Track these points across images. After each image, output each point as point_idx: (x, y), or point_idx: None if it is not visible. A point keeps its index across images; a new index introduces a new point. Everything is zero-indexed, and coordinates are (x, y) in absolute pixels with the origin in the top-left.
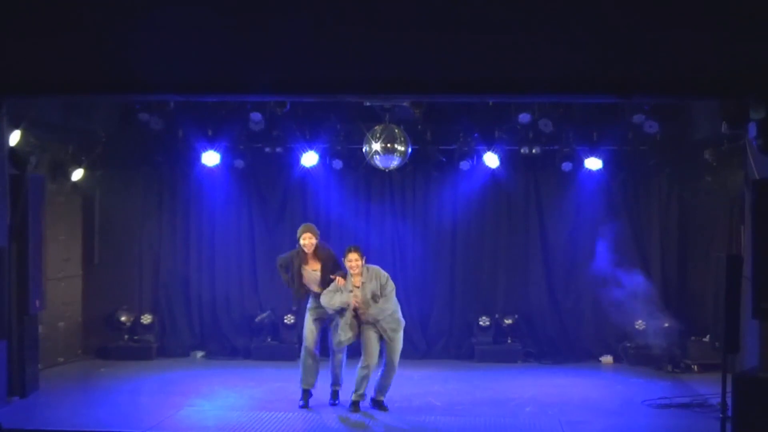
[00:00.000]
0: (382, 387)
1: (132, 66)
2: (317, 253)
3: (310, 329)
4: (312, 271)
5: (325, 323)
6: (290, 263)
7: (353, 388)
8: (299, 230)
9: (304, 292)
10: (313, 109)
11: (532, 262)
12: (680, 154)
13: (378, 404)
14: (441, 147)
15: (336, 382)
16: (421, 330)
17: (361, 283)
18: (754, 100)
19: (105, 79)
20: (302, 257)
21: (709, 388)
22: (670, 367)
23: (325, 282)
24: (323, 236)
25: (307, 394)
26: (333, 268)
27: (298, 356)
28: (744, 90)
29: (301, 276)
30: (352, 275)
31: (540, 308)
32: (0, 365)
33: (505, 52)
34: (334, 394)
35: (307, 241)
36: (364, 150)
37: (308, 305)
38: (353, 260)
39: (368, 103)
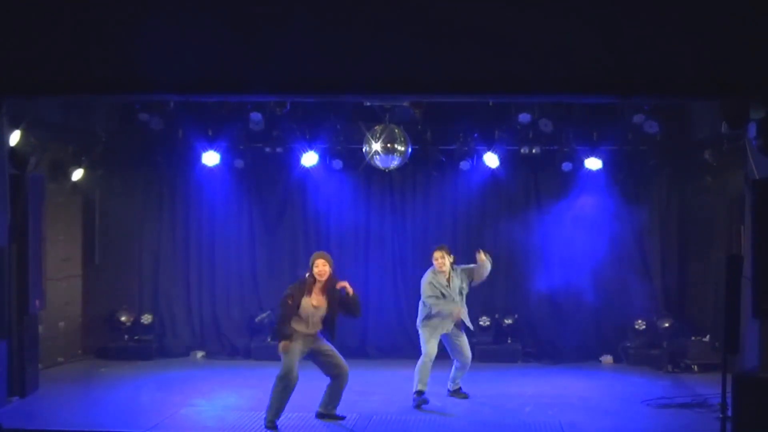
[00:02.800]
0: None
1: (132, 66)
2: (327, 286)
3: (294, 357)
4: (313, 306)
5: (310, 354)
6: (294, 294)
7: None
8: (312, 257)
9: (290, 331)
10: (313, 109)
11: (532, 262)
12: (680, 154)
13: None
14: (441, 147)
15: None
16: None
17: (447, 280)
18: (754, 100)
19: (105, 79)
20: (308, 287)
21: (709, 388)
22: (670, 367)
23: (327, 322)
24: (323, 235)
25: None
26: (338, 305)
27: None
28: (744, 90)
29: (298, 308)
30: (438, 273)
31: (540, 308)
32: (0, 365)
33: (505, 52)
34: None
35: (321, 268)
36: (364, 150)
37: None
38: (438, 258)
39: (368, 103)
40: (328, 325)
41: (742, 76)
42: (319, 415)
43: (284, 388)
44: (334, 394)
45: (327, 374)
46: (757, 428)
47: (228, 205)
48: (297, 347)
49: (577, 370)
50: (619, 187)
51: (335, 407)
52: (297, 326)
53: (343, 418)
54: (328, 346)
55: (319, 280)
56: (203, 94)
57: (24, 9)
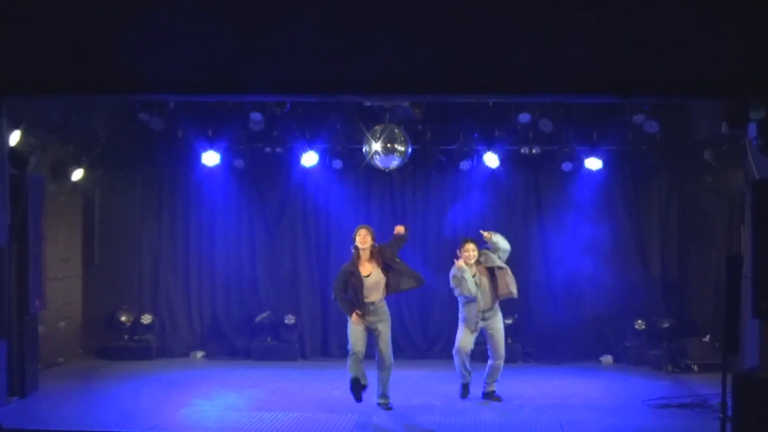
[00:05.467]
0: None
1: (132, 66)
2: (373, 254)
3: (358, 333)
4: (365, 276)
5: (370, 331)
6: (348, 275)
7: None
8: (356, 229)
9: (353, 306)
10: (313, 109)
11: (532, 262)
12: (680, 154)
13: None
14: (441, 147)
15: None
16: (421, 330)
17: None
18: (754, 100)
19: (105, 79)
20: (355, 260)
21: (709, 388)
22: (670, 367)
23: (391, 282)
24: (323, 235)
25: (359, 386)
26: (387, 257)
27: (299, 356)
28: (744, 90)
29: (361, 285)
30: (467, 266)
31: (540, 308)
32: (0, 365)
33: (505, 52)
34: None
35: (362, 237)
36: (364, 150)
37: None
38: (470, 251)
39: (368, 103)
40: (392, 288)
41: (742, 76)
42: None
43: (354, 360)
44: (379, 382)
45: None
46: (757, 428)
47: (228, 205)
48: (356, 327)
49: (577, 370)
50: (619, 187)
51: (382, 395)
52: (361, 297)
53: (390, 408)
54: (384, 332)
55: (362, 249)
56: (203, 94)
57: (24, 9)
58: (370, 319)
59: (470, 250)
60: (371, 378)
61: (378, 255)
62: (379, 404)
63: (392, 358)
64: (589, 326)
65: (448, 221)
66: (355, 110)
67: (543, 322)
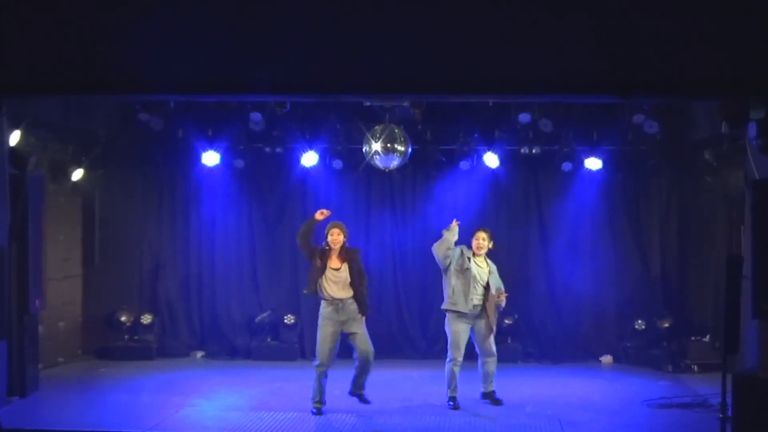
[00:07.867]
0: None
1: (132, 66)
2: (343, 252)
3: (324, 341)
4: (333, 269)
5: (343, 334)
6: (320, 251)
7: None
8: (328, 225)
9: (314, 289)
10: (313, 109)
11: (532, 262)
12: (680, 154)
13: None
14: (441, 147)
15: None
16: (421, 330)
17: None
18: (754, 100)
19: (105, 79)
20: (327, 253)
21: (709, 388)
22: (670, 367)
23: (352, 284)
24: (323, 235)
25: (318, 412)
26: (358, 271)
27: (299, 356)
28: (744, 90)
29: (323, 270)
30: (475, 255)
31: (540, 308)
32: (0, 365)
33: (505, 52)
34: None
35: (335, 237)
36: (364, 150)
37: (322, 311)
38: (479, 239)
39: (368, 103)
40: (356, 295)
41: (742, 76)
42: (351, 393)
43: (320, 373)
44: (356, 376)
45: (355, 357)
46: (757, 428)
47: (228, 204)
48: (327, 330)
49: (577, 370)
50: (619, 187)
51: (359, 389)
52: (328, 290)
53: (367, 402)
54: (359, 329)
55: (333, 249)
56: (203, 94)
57: (24, 9)
58: (342, 318)
59: (479, 238)
60: (346, 375)
61: (347, 255)
62: (356, 395)
63: (373, 353)
64: (589, 326)
65: (448, 221)
66: (355, 110)
67: (543, 322)
